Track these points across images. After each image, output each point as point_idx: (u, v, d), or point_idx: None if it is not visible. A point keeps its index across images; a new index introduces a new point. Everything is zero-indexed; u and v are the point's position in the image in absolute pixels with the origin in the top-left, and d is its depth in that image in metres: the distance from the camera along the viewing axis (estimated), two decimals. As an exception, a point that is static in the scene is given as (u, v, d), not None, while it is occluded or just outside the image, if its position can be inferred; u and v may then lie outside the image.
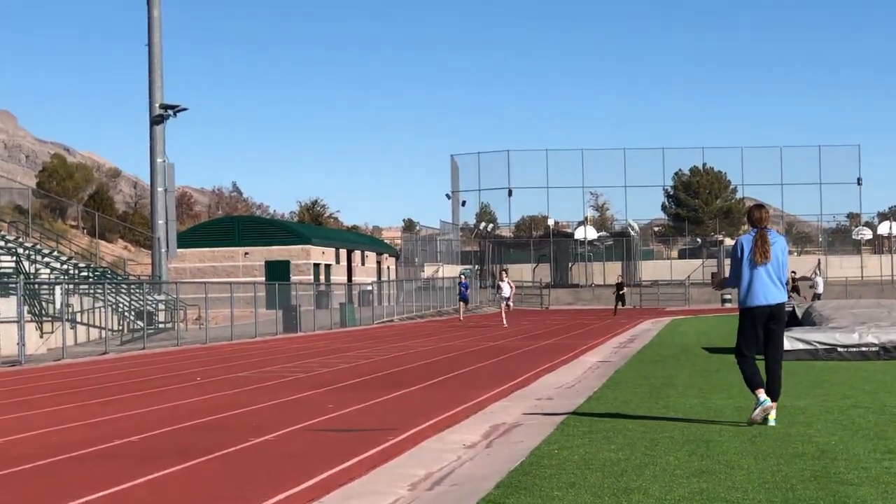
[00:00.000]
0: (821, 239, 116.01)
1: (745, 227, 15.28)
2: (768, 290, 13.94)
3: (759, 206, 14.81)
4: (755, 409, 13.77)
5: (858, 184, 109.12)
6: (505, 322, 51.37)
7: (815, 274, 71.89)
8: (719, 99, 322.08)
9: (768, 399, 13.77)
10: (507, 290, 53.78)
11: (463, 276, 70.61)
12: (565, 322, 56.64)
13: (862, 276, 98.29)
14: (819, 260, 72.50)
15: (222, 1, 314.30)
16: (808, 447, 11.80)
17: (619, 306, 69.34)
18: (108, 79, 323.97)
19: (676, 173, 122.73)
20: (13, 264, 43.84)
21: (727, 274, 14.67)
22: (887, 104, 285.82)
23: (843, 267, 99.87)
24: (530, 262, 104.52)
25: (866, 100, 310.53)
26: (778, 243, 14.08)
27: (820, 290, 67.49)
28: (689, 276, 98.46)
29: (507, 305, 54.07)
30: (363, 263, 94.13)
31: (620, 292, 69.23)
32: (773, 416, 13.74)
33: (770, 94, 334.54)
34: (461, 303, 64.28)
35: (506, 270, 57.67)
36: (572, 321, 57.63)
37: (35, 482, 11.11)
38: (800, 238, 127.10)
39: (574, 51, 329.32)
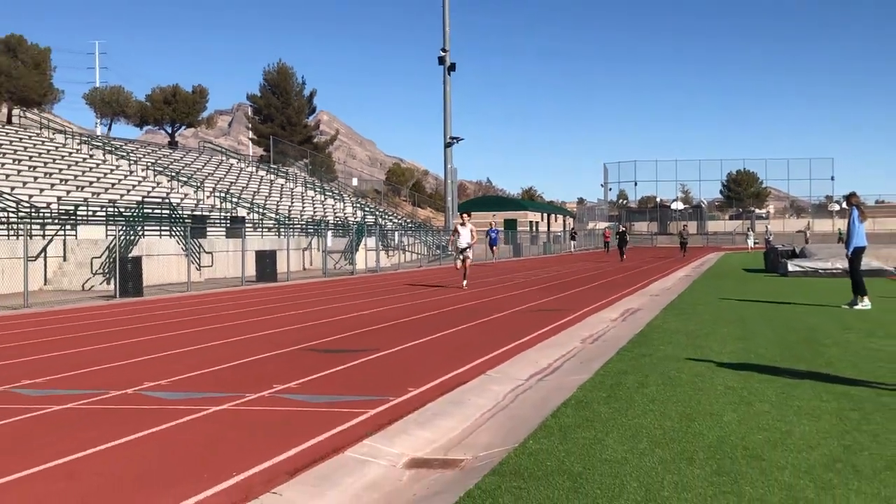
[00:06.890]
0: (809, 209, 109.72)
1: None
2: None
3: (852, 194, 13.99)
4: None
5: (832, 179, 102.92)
6: (465, 282, 21.42)
7: (766, 230, 62.91)
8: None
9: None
10: (465, 237, 21.06)
11: (492, 224, 47.87)
12: (668, 255, 55.08)
13: (834, 231, 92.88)
14: (766, 227, 66.69)
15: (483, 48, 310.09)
16: (799, 324, 11.20)
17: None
18: (424, 118, 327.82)
19: (728, 172, 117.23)
20: (373, 220, 44.86)
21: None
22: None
23: (823, 226, 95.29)
24: (646, 221, 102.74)
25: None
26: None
27: (770, 237, 58.94)
28: (735, 229, 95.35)
29: (465, 259, 21.15)
30: (555, 221, 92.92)
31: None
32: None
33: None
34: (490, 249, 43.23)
35: (467, 213, 21.68)
36: (670, 255, 56.02)
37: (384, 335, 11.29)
38: (796, 208, 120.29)
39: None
